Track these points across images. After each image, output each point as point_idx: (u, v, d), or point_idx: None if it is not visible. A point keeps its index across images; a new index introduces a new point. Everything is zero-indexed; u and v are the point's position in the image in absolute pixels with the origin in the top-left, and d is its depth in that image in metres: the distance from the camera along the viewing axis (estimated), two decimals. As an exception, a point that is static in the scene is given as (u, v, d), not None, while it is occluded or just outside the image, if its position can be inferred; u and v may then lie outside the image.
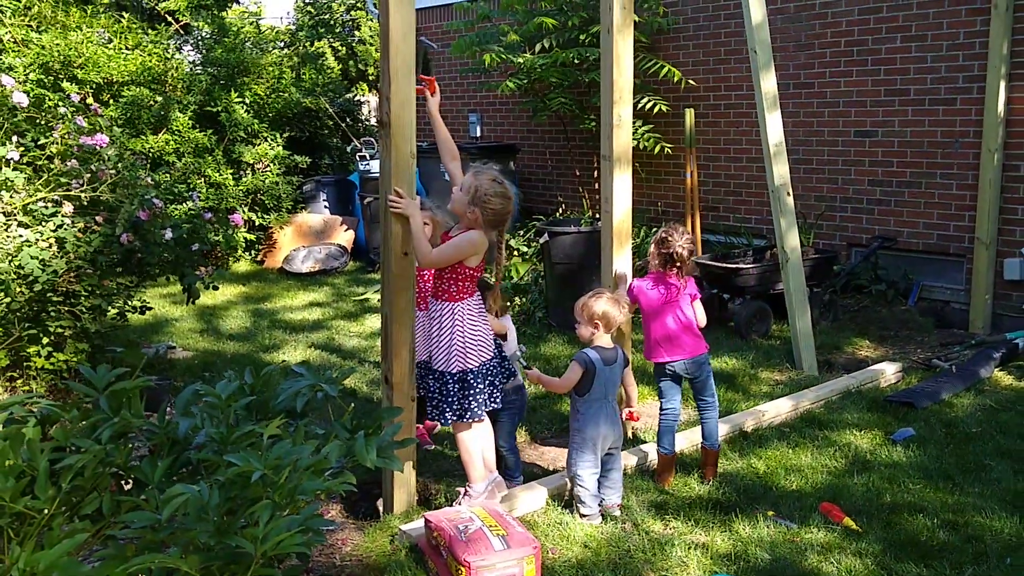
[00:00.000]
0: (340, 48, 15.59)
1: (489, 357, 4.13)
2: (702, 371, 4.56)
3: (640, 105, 9.10)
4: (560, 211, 10.67)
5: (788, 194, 6.41)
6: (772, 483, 4.54)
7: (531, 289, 8.09)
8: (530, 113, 10.01)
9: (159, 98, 9.76)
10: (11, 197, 5.28)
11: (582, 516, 4.11)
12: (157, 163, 9.65)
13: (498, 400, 4.18)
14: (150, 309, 6.30)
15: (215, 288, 6.08)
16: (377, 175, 10.51)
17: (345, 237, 10.60)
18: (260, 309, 8.48)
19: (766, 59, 6.17)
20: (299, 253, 10.21)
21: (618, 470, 4.25)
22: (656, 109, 9.09)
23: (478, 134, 11.96)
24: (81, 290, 5.46)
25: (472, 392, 4.06)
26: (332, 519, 4.33)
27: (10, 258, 5.14)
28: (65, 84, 8.84)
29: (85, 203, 5.53)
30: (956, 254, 7.65)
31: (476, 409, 4.07)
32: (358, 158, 10.43)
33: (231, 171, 10.08)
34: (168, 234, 5.59)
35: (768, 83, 6.19)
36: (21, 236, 5.17)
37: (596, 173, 10.26)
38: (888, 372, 6.11)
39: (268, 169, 10.46)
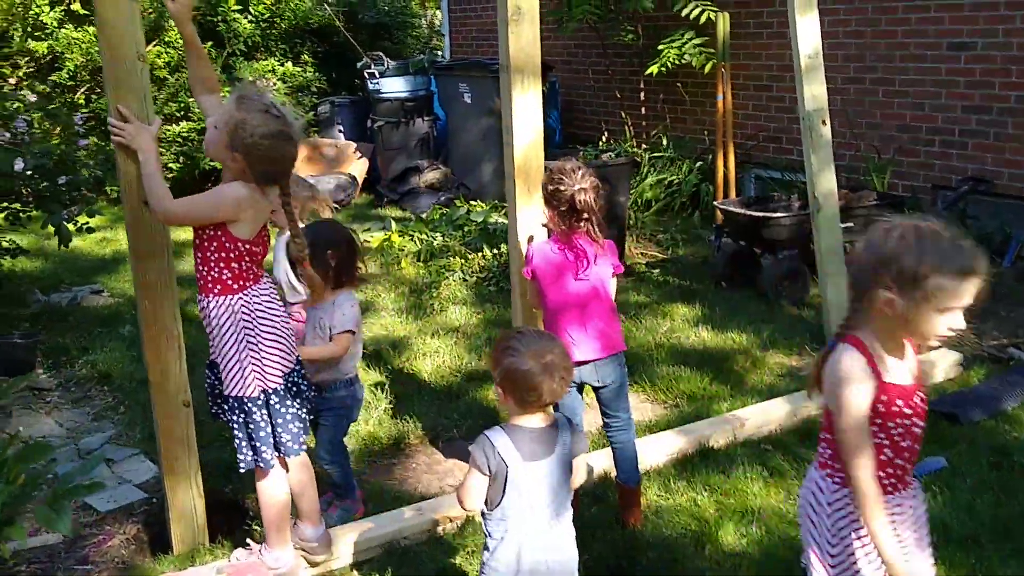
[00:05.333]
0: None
1: (290, 369, 2.92)
2: (615, 378, 3.22)
3: (686, 12, 7.49)
4: (604, 139, 9.20)
5: (824, 122, 4.82)
6: (712, 536, 3.20)
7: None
8: (556, 25, 8.51)
9: (154, 4, 8.77)
10: None
11: None
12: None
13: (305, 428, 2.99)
14: (24, 254, 5.38)
15: (89, 230, 5.08)
16: (389, 95, 9.35)
17: (358, 166, 9.49)
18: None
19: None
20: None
21: None
22: (704, 17, 7.45)
23: (521, 50, 10.50)
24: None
25: (280, 418, 2.88)
26: (109, 547, 3.30)
27: None
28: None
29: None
30: (1070, 204, 5.86)
31: (290, 443, 2.89)
32: (367, 75, 9.22)
33: (228, 89, 9.04)
34: (19, 164, 4.58)
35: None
36: None
37: (641, 95, 8.71)
38: (942, 364, 4.55)
39: (273, 88, 9.39)
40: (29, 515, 2.80)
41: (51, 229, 4.92)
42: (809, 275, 5.68)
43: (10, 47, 8.80)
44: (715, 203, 6.27)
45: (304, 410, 2.94)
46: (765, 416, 4.04)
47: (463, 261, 6.58)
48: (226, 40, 9.20)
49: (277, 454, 2.89)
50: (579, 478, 2.49)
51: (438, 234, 7.24)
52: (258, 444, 2.84)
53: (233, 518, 3.43)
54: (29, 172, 4.74)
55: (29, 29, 8.81)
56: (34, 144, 4.87)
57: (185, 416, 3.02)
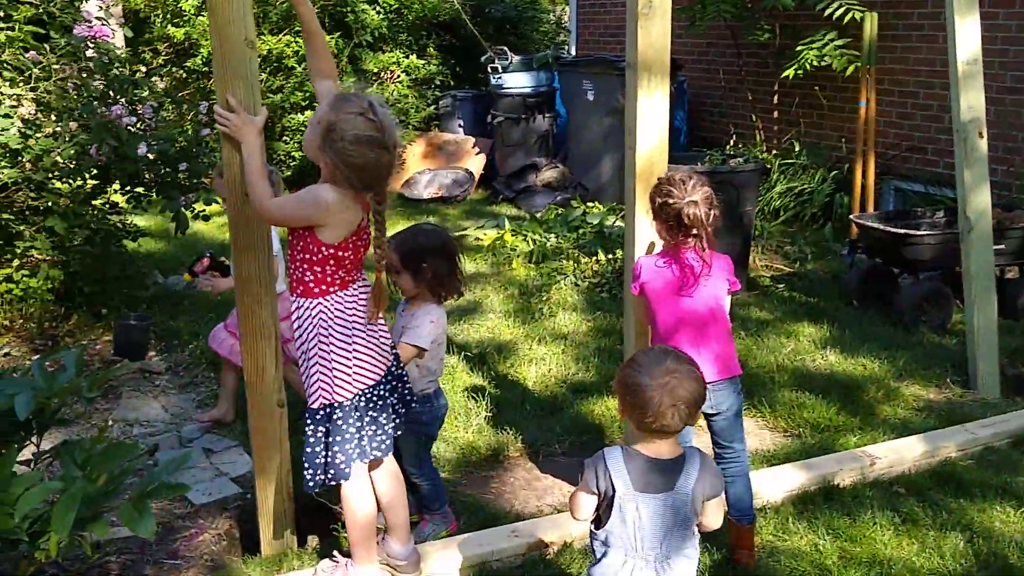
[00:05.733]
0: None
1: (371, 383, 2.76)
2: (730, 404, 2.94)
3: (829, 11, 7.05)
4: (731, 143, 8.81)
5: (980, 135, 4.39)
6: (834, 588, 2.90)
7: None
8: (688, 23, 8.16)
9: (288, -7, 8.89)
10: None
11: None
12: (277, 68, 8.87)
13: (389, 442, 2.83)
14: (143, 236, 5.45)
15: (205, 218, 5.10)
16: (511, 90, 9.20)
17: (476, 161, 9.38)
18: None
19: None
20: (423, 177, 9.13)
21: None
22: (848, 17, 6.99)
23: (650, 47, 10.18)
24: (46, 206, 4.65)
25: (338, 438, 2.71)
26: (200, 542, 3.24)
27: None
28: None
29: (52, 103, 4.67)
30: None
31: (342, 466, 2.73)
32: (490, 70, 9.09)
33: (353, 80, 9.10)
34: (142, 149, 4.62)
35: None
36: (-42, 140, 4.39)
37: (774, 98, 8.29)
38: (1107, 410, 4.07)
39: (397, 80, 9.39)
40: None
41: (170, 214, 4.98)
42: (953, 299, 5.22)
43: (151, 33, 9.09)
44: (852, 216, 5.85)
45: (390, 425, 2.79)
46: (898, 455, 3.67)
47: (576, 265, 6.36)
48: (353, 31, 9.23)
49: (361, 462, 2.74)
50: (713, 521, 2.27)
51: (552, 235, 7.04)
52: (330, 455, 2.70)
53: (324, 521, 3.33)
54: (152, 157, 4.78)
55: (169, 16, 9.07)
56: (159, 130, 4.92)
57: (279, 417, 2.92)
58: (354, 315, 2.68)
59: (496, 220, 7.82)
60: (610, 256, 6.36)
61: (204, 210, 4.94)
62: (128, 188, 4.99)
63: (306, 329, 2.67)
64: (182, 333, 5.11)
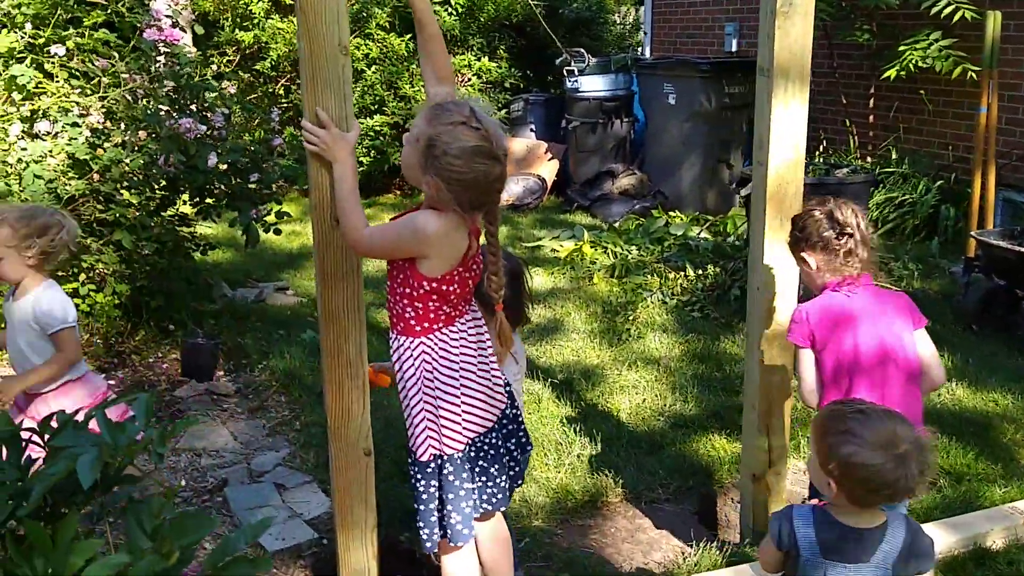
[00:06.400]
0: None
1: (483, 430, 2.43)
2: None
3: (936, 10, 6.56)
4: (821, 150, 8.33)
5: None
6: None
7: (736, 256, 6.07)
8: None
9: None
10: (20, 100, 4.30)
11: None
12: (346, 72, 8.65)
13: (502, 497, 2.49)
14: (212, 248, 5.21)
15: (276, 231, 4.82)
16: (587, 94, 8.82)
17: (548, 167, 9.03)
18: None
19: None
20: (494, 183, 8.80)
21: None
22: (958, 16, 6.48)
23: (734, 48, 9.73)
24: (114, 218, 4.42)
25: (451, 495, 2.40)
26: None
27: (19, 177, 4.18)
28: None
29: (120, 112, 4.44)
30: None
31: (459, 527, 2.40)
32: (565, 73, 8.73)
33: (423, 83, 8.81)
34: (212, 160, 4.37)
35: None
36: (25, 150, 4.17)
37: (870, 102, 7.79)
38: None
39: (468, 83, 9.09)
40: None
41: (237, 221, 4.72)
42: (1090, 327, 4.72)
43: (219, 36, 8.92)
44: (972, 233, 5.36)
45: (503, 477, 2.45)
46: (1055, 511, 3.22)
47: (662, 280, 5.97)
48: (424, 33, 8.94)
49: (475, 517, 2.42)
50: None
51: (633, 247, 6.66)
52: (445, 513, 2.38)
53: (409, 573, 3.01)
54: (224, 168, 4.53)
55: (238, 19, 8.90)
56: (230, 140, 4.67)
57: (365, 466, 2.60)
58: (462, 354, 2.36)
59: (571, 230, 7.46)
60: (699, 272, 5.96)
61: (276, 223, 4.67)
62: (197, 199, 4.74)
63: (408, 371, 2.35)
64: (251, 352, 4.85)
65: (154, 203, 4.59)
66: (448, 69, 2.54)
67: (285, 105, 8.55)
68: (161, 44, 4.57)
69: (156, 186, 4.52)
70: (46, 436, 1.99)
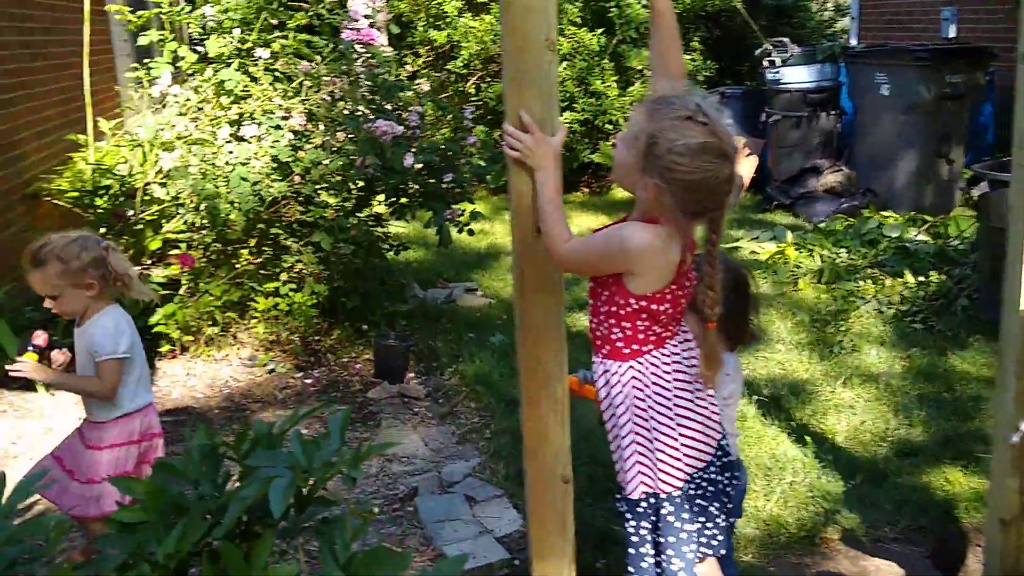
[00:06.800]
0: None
1: (703, 465, 2.18)
2: None
3: None
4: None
5: None
6: None
7: (962, 261, 5.45)
8: (1012, 5, 6.91)
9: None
10: (228, 103, 4.41)
11: None
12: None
13: (723, 539, 2.22)
14: (406, 248, 5.18)
15: (470, 232, 4.73)
16: (789, 86, 8.26)
17: (747, 164, 8.45)
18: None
19: None
20: (686, 180, 8.45)
21: None
22: None
23: (951, 34, 8.90)
24: (313, 219, 4.48)
25: (671, 539, 2.15)
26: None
27: (226, 180, 4.29)
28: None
29: (319, 115, 4.48)
30: None
31: (682, 574, 2.15)
32: (766, 64, 8.23)
33: (615, 78, 8.59)
34: (408, 160, 4.33)
35: None
36: (232, 153, 4.28)
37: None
38: None
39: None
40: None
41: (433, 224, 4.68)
42: None
43: (413, 36, 9.05)
44: None
45: (721, 516, 2.19)
46: None
47: (878, 287, 5.46)
48: (616, 26, 8.72)
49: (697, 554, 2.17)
50: None
51: (842, 250, 6.15)
52: (664, 558, 2.15)
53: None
54: (419, 167, 4.48)
55: (431, 19, 8.99)
56: (424, 139, 4.62)
57: (562, 494, 2.40)
58: (675, 380, 2.12)
59: (771, 230, 7.02)
60: (920, 279, 5.40)
61: (469, 224, 4.58)
62: (392, 200, 4.73)
63: (616, 399, 2.14)
64: (441, 354, 4.80)
65: (351, 204, 4.62)
66: (680, 66, 2.30)
67: (476, 102, 8.56)
68: (358, 45, 4.59)
69: (353, 187, 4.53)
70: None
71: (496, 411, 4.16)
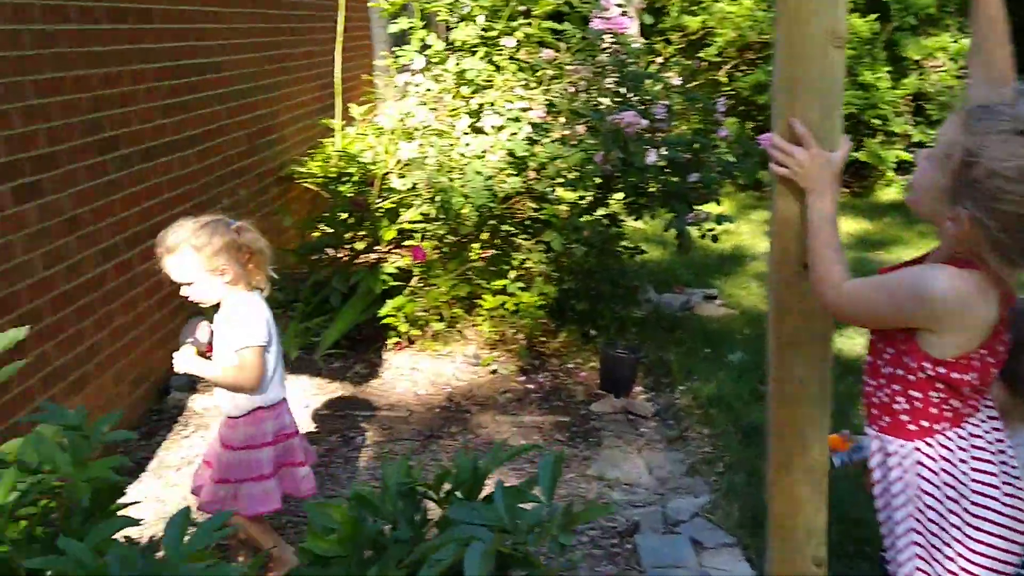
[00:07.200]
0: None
1: (1011, 571, 1.71)
2: None
3: None
4: None
5: None
6: None
7: None
8: None
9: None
10: (469, 93, 4.27)
11: None
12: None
13: None
14: (642, 253, 4.83)
15: (714, 239, 4.31)
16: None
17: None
18: (869, 259, 6.27)
19: None
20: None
21: None
22: None
23: None
24: (546, 218, 4.27)
25: None
26: None
27: (462, 173, 4.17)
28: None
29: (561, 105, 4.25)
30: None
31: None
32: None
33: (888, 69, 7.75)
34: (651, 158, 3.99)
35: None
36: (468, 145, 4.14)
37: None
38: None
39: (942, 68, 7.82)
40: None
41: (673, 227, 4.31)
42: None
43: (664, 22, 8.66)
44: None
45: None
46: None
47: None
48: (892, 11, 7.86)
49: None
50: None
51: None
52: None
53: None
54: (663, 165, 4.14)
55: (686, 4, 8.56)
56: (671, 132, 4.27)
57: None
58: (976, 470, 1.66)
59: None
60: None
61: (713, 228, 4.18)
62: (631, 198, 4.42)
63: (894, 485, 1.72)
64: (673, 369, 4.44)
65: (586, 202, 4.35)
66: (1008, 66, 1.81)
67: (728, 91, 8.03)
68: (608, 35, 4.31)
69: (590, 184, 4.27)
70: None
71: (732, 440, 3.76)
